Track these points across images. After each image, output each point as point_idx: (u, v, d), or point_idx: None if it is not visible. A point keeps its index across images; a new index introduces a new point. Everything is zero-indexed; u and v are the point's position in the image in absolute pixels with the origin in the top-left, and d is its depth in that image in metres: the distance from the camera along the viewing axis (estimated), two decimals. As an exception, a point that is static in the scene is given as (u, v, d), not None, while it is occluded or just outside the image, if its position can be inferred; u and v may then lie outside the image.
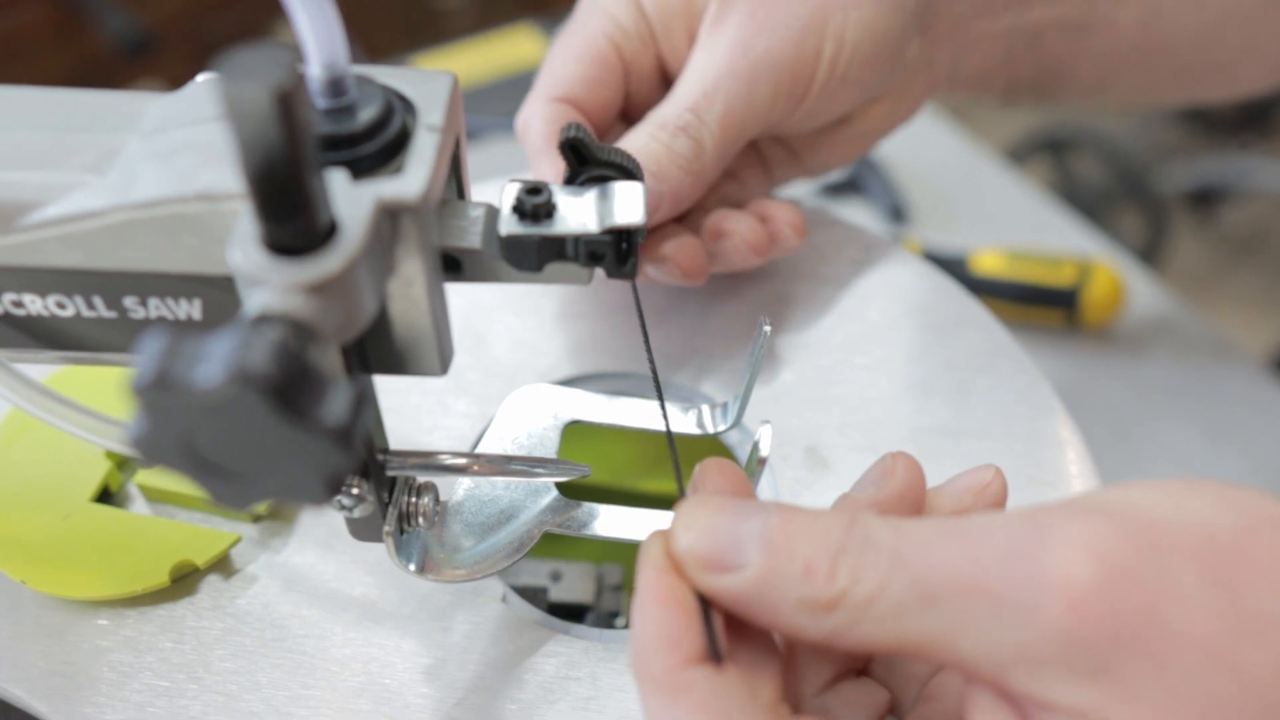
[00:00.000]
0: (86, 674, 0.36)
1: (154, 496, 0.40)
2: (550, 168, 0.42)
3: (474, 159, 0.74)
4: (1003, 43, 0.49)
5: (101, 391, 0.41)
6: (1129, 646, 0.23)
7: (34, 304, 0.30)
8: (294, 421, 0.22)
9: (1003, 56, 0.50)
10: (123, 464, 0.41)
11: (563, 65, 0.44)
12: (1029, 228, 0.80)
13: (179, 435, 0.23)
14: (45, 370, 0.43)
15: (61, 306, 0.30)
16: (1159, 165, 1.74)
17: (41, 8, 1.34)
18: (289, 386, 0.22)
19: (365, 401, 0.24)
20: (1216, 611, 0.23)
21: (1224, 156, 1.75)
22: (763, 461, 0.33)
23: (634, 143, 0.42)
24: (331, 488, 0.24)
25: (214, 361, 0.22)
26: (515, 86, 0.84)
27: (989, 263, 0.73)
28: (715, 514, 0.27)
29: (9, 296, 0.30)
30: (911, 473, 0.30)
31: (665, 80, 0.46)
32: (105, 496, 0.40)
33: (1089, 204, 1.39)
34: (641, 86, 0.46)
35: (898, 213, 0.78)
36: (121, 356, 0.31)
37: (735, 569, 0.26)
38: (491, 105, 0.80)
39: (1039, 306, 0.72)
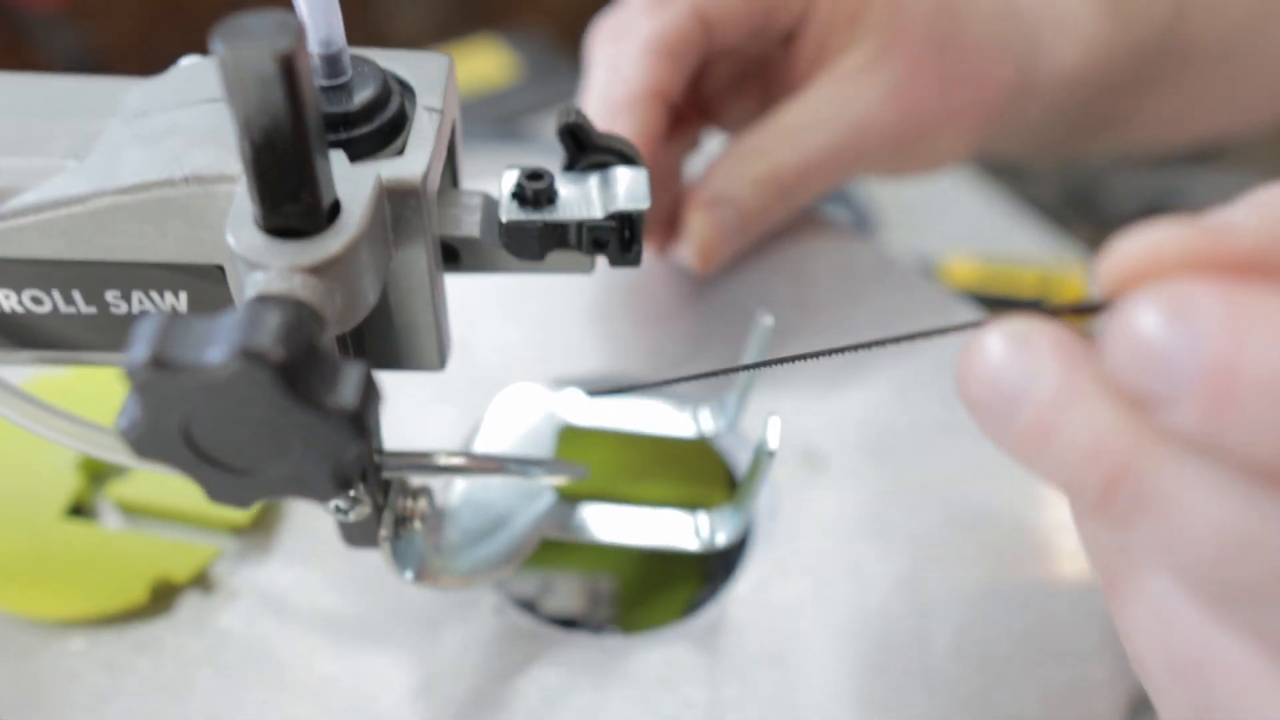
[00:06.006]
0: (61, 699, 0.34)
1: (129, 509, 0.38)
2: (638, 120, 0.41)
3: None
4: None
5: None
6: None
7: (8, 300, 0.28)
8: (303, 403, 0.21)
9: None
10: (95, 477, 0.39)
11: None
12: (994, 237, 0.81)
13: (176, 423, 0.22)
14: (16, 377, 0.41)
15: (38, 302, 0.28)
16: (1109, 182, 1.76)
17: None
18: (298, 365, 0.21)
19: (374, 388, 0.23)
20: None
21: (1175, 173, 1.78)
22: (771, 455, 0.32)
23: (729, 183, 0.42)
24: (341, 481, 0.23)
25: (217, 338, 0.20)
26: (487, 107, 0.75)
27: (960, 273, 0.73)
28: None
29: (-20, 293, 0.28)
30: None
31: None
32: (76, 513, 0.38)
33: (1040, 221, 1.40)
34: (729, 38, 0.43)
35: (861, 222, 0.78)
36: (100, 355, 0.30)
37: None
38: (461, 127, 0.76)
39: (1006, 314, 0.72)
